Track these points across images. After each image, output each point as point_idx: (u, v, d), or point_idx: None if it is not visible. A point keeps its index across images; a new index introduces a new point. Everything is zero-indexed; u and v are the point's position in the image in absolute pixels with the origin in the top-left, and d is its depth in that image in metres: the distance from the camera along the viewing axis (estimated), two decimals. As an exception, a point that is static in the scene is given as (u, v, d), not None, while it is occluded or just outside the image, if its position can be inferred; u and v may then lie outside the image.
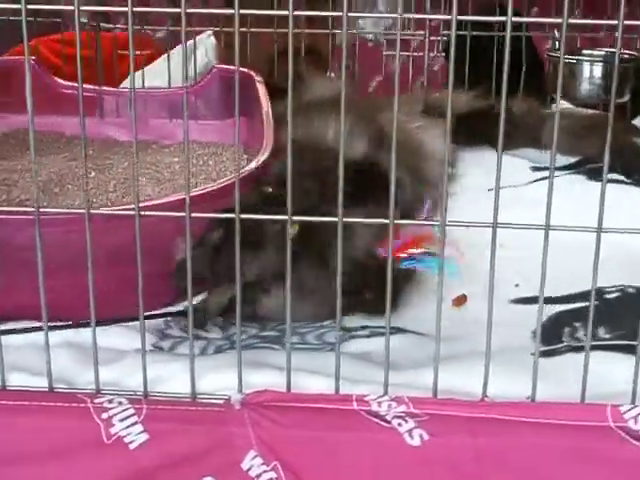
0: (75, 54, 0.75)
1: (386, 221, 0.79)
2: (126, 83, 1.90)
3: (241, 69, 1.86)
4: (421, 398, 0.82)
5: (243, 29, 1.86)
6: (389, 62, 2.14)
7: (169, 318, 1.06)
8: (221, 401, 0.83)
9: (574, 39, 1.78)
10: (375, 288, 1.04)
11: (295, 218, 0.80)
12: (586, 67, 1.64)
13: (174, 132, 1.59)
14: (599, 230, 0.78)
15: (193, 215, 0.82)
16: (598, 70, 1.63)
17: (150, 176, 1.40)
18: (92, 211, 0.83)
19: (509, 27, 0.73)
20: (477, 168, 1.46)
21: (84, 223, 0.82)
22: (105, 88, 1.66)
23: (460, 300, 1.14)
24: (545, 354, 0.94)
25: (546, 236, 0.78)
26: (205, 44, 2.23)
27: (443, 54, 2.29)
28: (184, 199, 0.80)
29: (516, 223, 0.79)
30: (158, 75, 1.84)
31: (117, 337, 0.96)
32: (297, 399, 0.83)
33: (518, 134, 1.53)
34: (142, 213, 0.81)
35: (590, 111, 1.62)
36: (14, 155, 1.50)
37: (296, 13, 0.76)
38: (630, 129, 1.63)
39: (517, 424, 0.81)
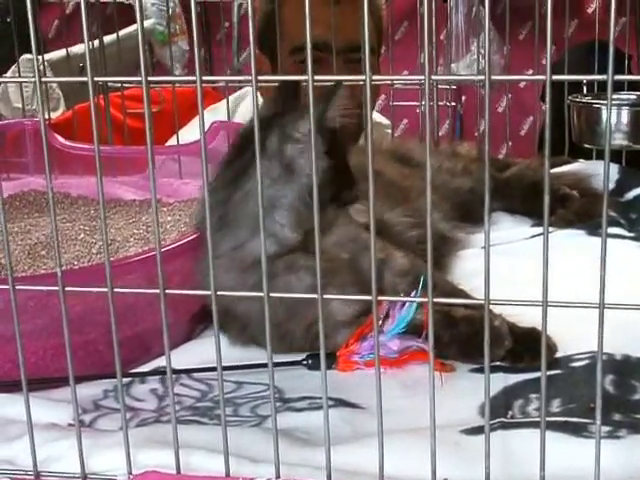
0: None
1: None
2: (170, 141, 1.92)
3: (236, 121, 1.83)
4: (311, 482, 0.76)
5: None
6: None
7: (110, 388, 1.02)
8: (108, 482, 0.79)
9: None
10: None
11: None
12: (612, 112, 1.54)
13: (180, 190, 1.58)
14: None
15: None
16: (625, 115, 1.53)
17: (139, 236, 1.38)
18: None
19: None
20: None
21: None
22: (117, 147, 1.66)
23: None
24: (473, 431, 0.86)
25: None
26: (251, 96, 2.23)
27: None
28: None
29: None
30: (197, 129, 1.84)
31: (38, 408, 0.93)
32: (183, 481, 0.78)
33: None
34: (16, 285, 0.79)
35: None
36: (15, 217, 1.51)
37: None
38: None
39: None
